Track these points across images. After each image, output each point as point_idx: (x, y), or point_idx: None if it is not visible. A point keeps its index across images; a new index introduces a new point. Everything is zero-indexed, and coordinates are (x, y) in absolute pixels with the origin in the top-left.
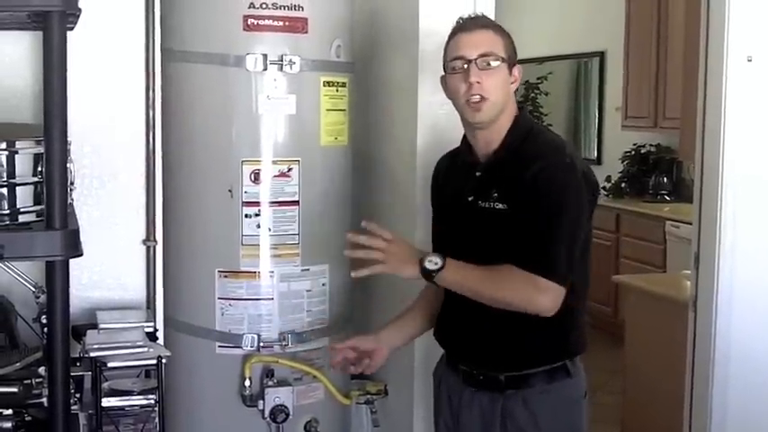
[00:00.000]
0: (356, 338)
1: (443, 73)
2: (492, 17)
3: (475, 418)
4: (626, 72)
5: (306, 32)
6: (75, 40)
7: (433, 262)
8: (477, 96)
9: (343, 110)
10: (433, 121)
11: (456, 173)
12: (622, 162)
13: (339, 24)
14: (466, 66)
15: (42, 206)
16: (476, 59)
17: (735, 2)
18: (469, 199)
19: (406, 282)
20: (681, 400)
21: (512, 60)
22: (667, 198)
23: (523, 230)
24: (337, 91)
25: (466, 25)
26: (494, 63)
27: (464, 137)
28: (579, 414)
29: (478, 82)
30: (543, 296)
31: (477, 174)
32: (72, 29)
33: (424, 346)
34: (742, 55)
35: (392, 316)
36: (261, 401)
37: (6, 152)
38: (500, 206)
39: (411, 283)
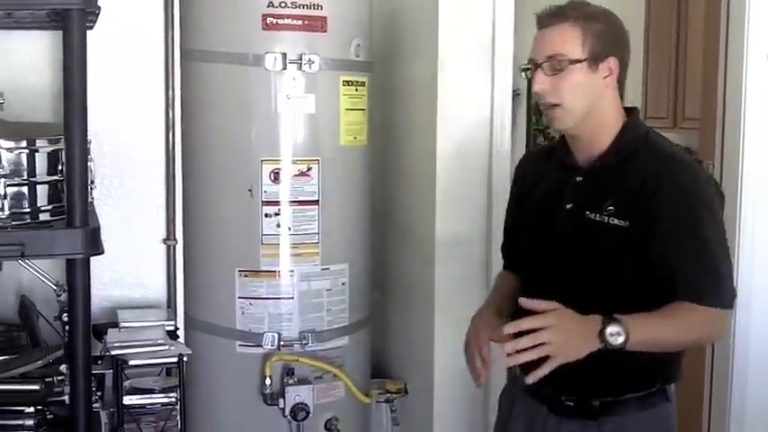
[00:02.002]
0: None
1: None
2: (511, 18)
3: None
4: (645, 72)
5: (325, 31)
6: (95, 40)
7: (614, 335)
8: (547, 102)
9: (363, 109)
10: (453, 121)
11: (549, 175)
12: None
13: (358, 23)
14: (535, 69)
15: (62, 204)
16: (542, 63)
17: (754, 0)
18: (568, 207)
19: (423, 280)
20: (701, 395)
21: (597, 55)
22: None
23: (683, 260)
24: (356, 90)
25: (540, 19)
26: (564, 65)
27: (562, 135)
28: None
29: (544, 88)
30: (721, 326)
31: (578, 179)
32: (91, 28)
33: (444, 345)
34: (761, 53)
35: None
36: (281, 400)
37: (27, 150)
38: (617, 222)
39: (428, 282)
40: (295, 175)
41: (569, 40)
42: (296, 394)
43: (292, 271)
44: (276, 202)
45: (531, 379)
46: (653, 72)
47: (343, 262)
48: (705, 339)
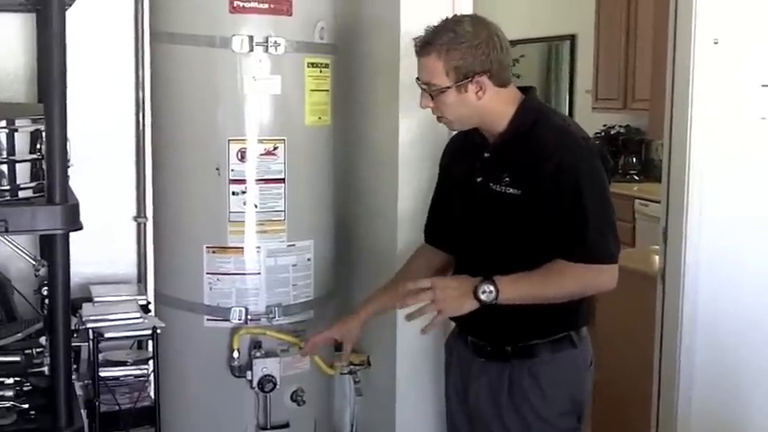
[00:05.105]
0: (324, 333)
1: None
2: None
3: (483, 387)
4: (596, 55)
5: (290, 14)
6: (67, 21)
7: (486, 293)
8: (438, 114)
9: (327, 90)
10: (415, 101)
11: (465, 152)
12: None
13: (322, 6)
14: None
15: (41, 182)
16: (425, 85)
17: None
18: (478, 180)
19: (385, 256)
20: (651, 369)
21: (462, 80)
22: (636, 178)
23: (561, 223)
24: (321, 72)
25: (415, 48)
26: (436, 92)
27: None
28: (583, 382)
29: (429, 107)
30: (603, 279)
31: (486, 155)
32: (69, 8)
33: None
34: (708, 37)
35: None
36: (249, 372)
37: (6, 130)
38: (512, 191)
39: (391, 257)
40: (261, 154)
41: (436, 73)
42: (263, 366)
43: (259, 247)
44: (243, 181)
45: (424, 331)
46: (604, 56)
47: (309, 238)
48: (590, 290)
